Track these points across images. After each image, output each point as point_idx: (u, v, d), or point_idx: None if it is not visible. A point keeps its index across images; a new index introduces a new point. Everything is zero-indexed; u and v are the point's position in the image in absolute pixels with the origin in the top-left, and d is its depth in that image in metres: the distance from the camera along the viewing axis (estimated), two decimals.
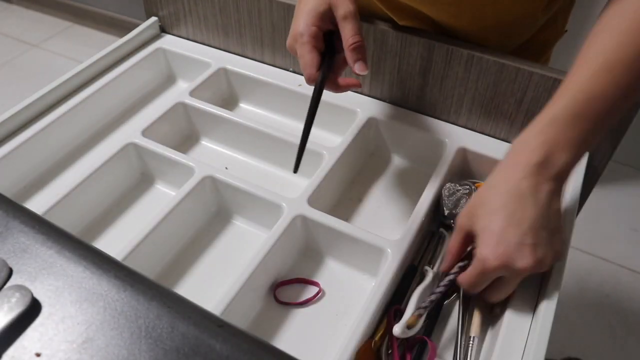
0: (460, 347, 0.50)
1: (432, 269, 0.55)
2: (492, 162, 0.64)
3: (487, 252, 0.46)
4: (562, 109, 0.46)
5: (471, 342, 0.50)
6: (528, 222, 0.45)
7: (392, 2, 0.66)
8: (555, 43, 0.72)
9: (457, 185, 0.61)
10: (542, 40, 0.69)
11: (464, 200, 0.60)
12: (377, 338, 0.49)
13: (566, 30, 0.72)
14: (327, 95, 0.72)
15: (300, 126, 0.81)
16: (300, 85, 0.74)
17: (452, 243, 0.52)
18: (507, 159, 0.49)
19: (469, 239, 0.50)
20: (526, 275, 0.47)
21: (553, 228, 0.47)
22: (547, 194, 0.46)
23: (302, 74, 0.76)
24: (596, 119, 0.46)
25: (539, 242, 0.46)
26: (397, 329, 0.48)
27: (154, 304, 0.34)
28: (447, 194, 0.61)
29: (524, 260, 0.45)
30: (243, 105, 0.79)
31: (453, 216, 0.59)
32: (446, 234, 0.60)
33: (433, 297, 0.50)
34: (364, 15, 0.70)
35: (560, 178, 0.47)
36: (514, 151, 0.49)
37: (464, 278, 0.49)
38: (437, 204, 0.61)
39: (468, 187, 0.61)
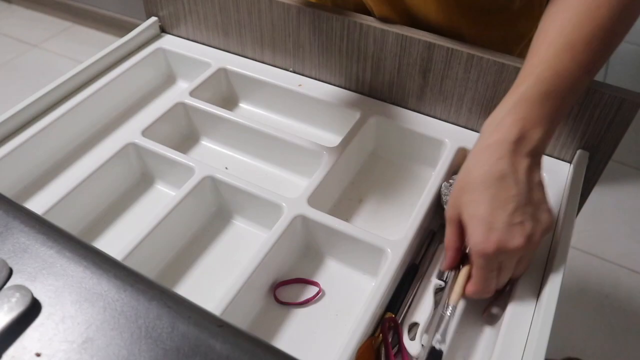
0: (437, 317, 0.50)
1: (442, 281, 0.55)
2: None
3: (480, 240, 0.46)
4: (530, 87, 0.47)
5: (449, 311, 0.50)
6: (513, 202, 0.45)
7: None
8: (530, 33, 0.72)
9: (454, 181, 0.62)
10: (519, 31, 0.70)
11: None
12: (376, 335, 0.49)
13: None
14: (327, 95, 0.73)
15: (300, 126, 0.81)
16: (300, 85, 0.74)
17: (448, 237, 0.51)
18: (481, 141, 0.49)
19: (462, 229, 0.50)
20: (520, 255, 0.47)
21: (537, 201, 0.47)
22: (526, 169, 0.46)
23: (302, 74, 0.76)
24: (563, 95, 0.48)
25: (525, 218, 0.46)
26: (415, 351, 0.49)
27: (154, 304, 0.34)
28: (446, 190, 0.61)
29: (516, 240, 0.45)
30: (243, 105, 0.79)
31: None
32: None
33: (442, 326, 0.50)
34: (344, 6, 0.70)
35: (537, 153, 0.48)
36: (486, 132, 0.49)
37: (474, 285, 0.49)
38: (437, 203, 0.61)
39: None
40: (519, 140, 0.46)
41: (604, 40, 0.48)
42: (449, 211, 0.50)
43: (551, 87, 0.47)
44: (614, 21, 0.47)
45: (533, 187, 0.47)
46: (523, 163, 0.46)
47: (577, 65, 0.47)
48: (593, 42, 0.47)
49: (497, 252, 0.46)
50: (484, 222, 0.46)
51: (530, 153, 0.47)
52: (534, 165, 0.48)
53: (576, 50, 0.47)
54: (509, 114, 0.47)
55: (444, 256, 0.53)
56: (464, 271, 0.52)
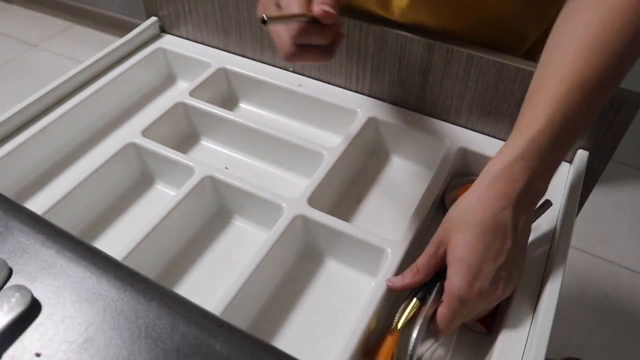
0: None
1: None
2: None
3: (464, 287, 0.45)
4: (542, 131, 0.45)
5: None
6: (504, 255, 0.45)
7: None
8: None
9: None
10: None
11: None
12: (400, 326, 0.48)
13: None
14: (327, 95, 0.73)
15: (300, 126, 0.82)
16: (300, 85, 0.74)
17: (424, 258, 0.49)
18: (486, 181, 0.47)
19: (441, 257, 0.48)
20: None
21: (519, 259, 0.47)
22: (524, 225, 0.46)
23: (302, 74, 0.76)
24: (570, 140, 0.48)
25: (509, 272, 0.46)
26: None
27: (154, 304, 0.34)
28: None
29: (497, 293, 0.46)
30: (243, 105, 0.79)
31: None
32: None
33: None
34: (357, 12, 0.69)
35: (534, 206, 0.48)
36: (492, 172, 0.47)
37: (442, 324, 0.47)
38: (437, 203, 0.61)
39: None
40: (524, 193, 0.45)
41: (613, 80, 0.46)
42: (438, 232, 0.49)
43: (561, 132, 0.45)
44: (623, 58, 0.45)
45: (522, 245, 0.47)
46: (523, 218, 0.46)
47: (588, 107, 0.46)
48: (604, 81, 0.45)
49: (475, 301, 0.46)
50: (471, 270, 0.45)
51: (530, 206, 0.47)
52: (529, 220, 0.48)
53: (587, 90, 0.45)
54: (519, 160, 0.45)
55: (405, 272, 0.50)
56: (429, 312, 0.49)
